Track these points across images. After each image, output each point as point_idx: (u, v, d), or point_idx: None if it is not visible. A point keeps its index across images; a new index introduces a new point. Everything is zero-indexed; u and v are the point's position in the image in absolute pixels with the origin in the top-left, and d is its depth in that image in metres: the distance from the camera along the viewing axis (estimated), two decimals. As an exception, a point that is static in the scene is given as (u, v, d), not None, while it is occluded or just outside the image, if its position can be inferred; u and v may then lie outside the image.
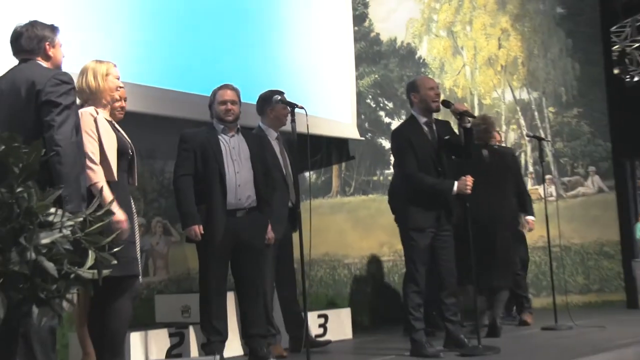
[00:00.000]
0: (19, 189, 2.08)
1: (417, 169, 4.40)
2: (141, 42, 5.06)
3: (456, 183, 4.36)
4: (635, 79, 11.15)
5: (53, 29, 3.25)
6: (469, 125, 4.45)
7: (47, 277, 2.05)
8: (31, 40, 3.17)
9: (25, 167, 2.11)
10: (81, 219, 2.16)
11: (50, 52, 3.21)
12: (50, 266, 2.04)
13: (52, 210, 2.13)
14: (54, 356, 2.82)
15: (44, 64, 3.19)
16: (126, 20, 5.02)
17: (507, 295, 5.44)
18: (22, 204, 2.06)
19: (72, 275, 2.11)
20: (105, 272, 2.18)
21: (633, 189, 8.50)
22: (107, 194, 3.23)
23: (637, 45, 11.30)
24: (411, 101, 4.57)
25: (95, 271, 2.14)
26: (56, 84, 3.00)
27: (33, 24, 3.20)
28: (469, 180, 4.37)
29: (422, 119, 4.52)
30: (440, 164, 4.47)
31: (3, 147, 2.09)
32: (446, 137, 4.50)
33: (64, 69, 3.36)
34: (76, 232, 2.13)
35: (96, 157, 3.35)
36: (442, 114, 4.76)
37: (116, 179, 3.41)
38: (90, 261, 2.13)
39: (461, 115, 4.42)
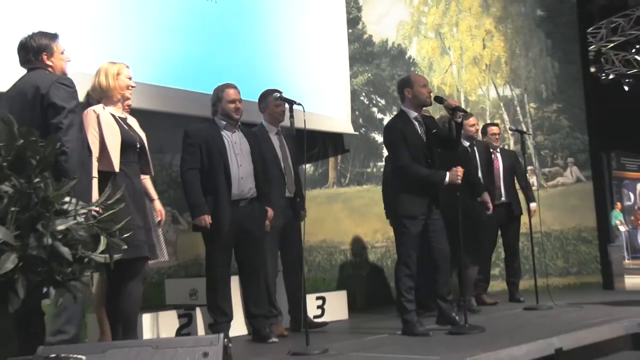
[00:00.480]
0: (36, 180, 2.08)
1: (411, 161, 4.38)
2: (149, 45, 5.06)
3: (448, 174, 4.32)
4: (611, 76, 11.15)
5: (52, 37, 3.21)
6: (459, 120, 4.41)
7: (63, 261, 2.06)
8: (28, 53, 3.16)
9: (42, 159, 2.12)
10: (94, 207, 2.17)
11: (49, 62, 3.18)
12: (65, 251, 2.05)
13: (67, 199, 2.14)
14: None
15: (48, 70, 3.17)
16: (139, 25, 5.03)
17: (475, 273, 5.55)
18: (39, 193, 2.07)
19: (86, 259, 2.13)
20: (116, 256, 2.19)
21: (609, 179, 8.54)
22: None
23: (612, 45, 11.29)
24: (403, 96, 4.49)
25: (107, 255, 2.15)
26: (59, 88, 3.01)
27: (32, 36, 3.18)
28: (459, 171, 4.32)
29: (412, 114, 4.46)
30: (431, 156, 4.44)
31: (21, 141, 2.09)
32: (434, 131, 4.48)
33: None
34: (89, 219, 2.14)
35: (95, 153, 3.37)
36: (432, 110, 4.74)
37: (117, 169, 3.41)
38: (102, 246, 2.14)
39: (454, 110, 4.37)
